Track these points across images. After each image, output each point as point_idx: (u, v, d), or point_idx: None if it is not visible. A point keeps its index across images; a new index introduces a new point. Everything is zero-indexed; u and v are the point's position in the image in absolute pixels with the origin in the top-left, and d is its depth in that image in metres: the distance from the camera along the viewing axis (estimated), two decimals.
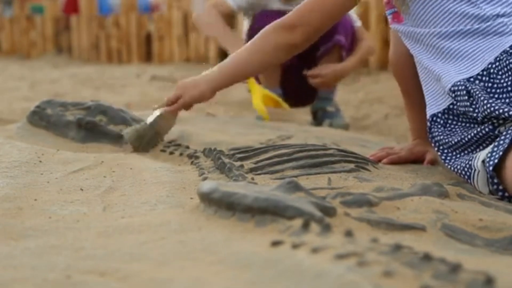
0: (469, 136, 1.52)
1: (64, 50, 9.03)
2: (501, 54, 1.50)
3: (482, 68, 1.52)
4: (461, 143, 1.54)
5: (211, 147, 1.79)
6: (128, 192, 1.44)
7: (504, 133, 1.43)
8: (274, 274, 0.84)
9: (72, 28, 8.89)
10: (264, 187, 1.20)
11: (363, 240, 0.92)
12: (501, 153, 1.40)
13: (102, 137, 1.99)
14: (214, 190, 1.15)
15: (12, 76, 6.30)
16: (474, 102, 1.50)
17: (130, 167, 1.64)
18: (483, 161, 1.45)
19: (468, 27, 1.56)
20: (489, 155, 1.43)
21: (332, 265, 0.82)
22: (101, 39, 8.43)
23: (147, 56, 8.00)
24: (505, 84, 1.48)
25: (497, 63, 1.50)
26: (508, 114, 1.42)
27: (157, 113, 1.96)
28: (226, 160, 1.62)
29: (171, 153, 1.86)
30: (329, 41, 3.10)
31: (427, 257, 0.82)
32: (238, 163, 1.61)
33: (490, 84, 1.50)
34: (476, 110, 1.49)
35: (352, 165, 1.59)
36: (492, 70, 1.50)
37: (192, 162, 1.73)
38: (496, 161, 1.40)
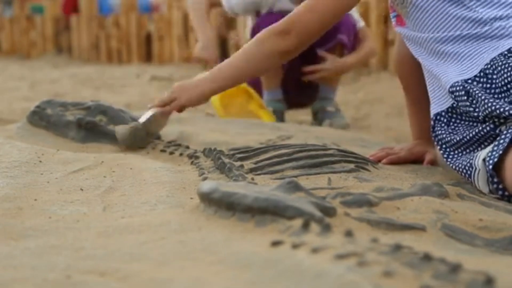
0: (470, 135, 1.52)
1: (64, 50, 9.03)
2: (498, 56, 1.51)
3: (480, 70, 1.53)
4: (463, 141, 1.55)
5: (211, 147, 1.79)
6: (128, 192, 1.44)
7: (504, 132, 1.43)
8: (274, 274, 0.84)
9: (72, 28, 8.89)
10: (264, 187, 1.20)
11: (363, 240, 0.92)
12: (501, 152, 1.40)
13: (102, 137, 1.99)
14: (214, 190, 1.15)
15: (12, 76, 6.30)
16: (474, 102, 1.50)
17: (130, 167, 1.64)
18: (483, 160, 1.46)
19: (466, 31, 1.57)
20: (489, 154, 1.44)
21: (332, 265, 0.82)
22: (101, 39, 8.43)
23: (147, 56, 8.00)
24: (499, 84, 1.49)
25: (492, 63, 1.51)
26: (509, 113, 1.42)
27: (150, 113, 1.96)
28: (226, 160, 1.62)
29: (171, 153, 1.86)
30: (331, 40, 3.10)
31: (427, 257, 0.82)
32: (238, 163, 1.61)
33: (488, 85, 1.51)
34: (477, 110, 1.50)
35: (352, 165, 1.59)
36: (487, 71, 1.51)
37: (192, 162, 1.73)
38: (496, 159, 1.41)
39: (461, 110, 1.57)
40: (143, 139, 1.94)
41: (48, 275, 0.88)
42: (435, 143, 1.64)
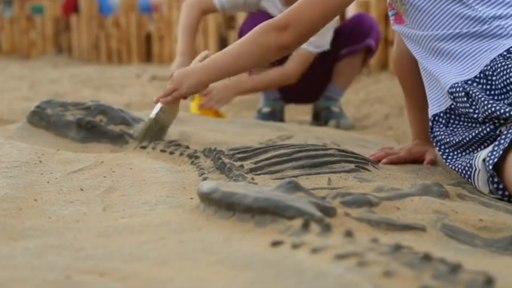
0: (470, 136, 1.52)
1: (64, 50, 9.03)
2: (497, 57, 1.51)
3: (479, 71, 1.52)
4: (462, 142, 1.55)
5: (211, 147, 1.79)
6: (128, 192, 1.44)
7: (505, 132, 1.44)
8: (274, 274, 0.84)
9: (72, 28, 8.89)
10: (264, 187, 1.20)
11: (363, 240, 0.92)
12: (501, 152, 1.40)
13: (102, 137, 1.99)
14: (214, 190, 1.15)
15: (12, 76, 6.29)
16: (474, 103, 1.50)
17: (130, 167, 1.64)
18: (483, 160, 1.46)
19: (465, 29, 1.57)
20: (489, 154, 1.44)
21: (332, 265, 0.82)
22: (101, 39, 8.42)
23: (147, 56, 7.99)
24: (499, 86, 1.49)
25: (492, 65, 1.51)
26: (509, 114, 1.42)
27: (158, 106, 2.01)
28: (226, 160, 1.62)
29: (171, 153, 1.86)
30: (360, 42, 3.08)
31: (427, 257, 0.82)
32: (238, 163, 1.61)
33: (488, 87, 1.51)
34: (477, 111, 1.50)
35: (352, 165, 1.59)
36: (487, 73, 1.51)
37: (192, 162, 1.73)
38: (496, 160, 1.41)
39: (460, 111, 1.56)
40: (160, 131, 2.00)
41: (48, 275, 0.88)
42: (434, 143, 1.64)
